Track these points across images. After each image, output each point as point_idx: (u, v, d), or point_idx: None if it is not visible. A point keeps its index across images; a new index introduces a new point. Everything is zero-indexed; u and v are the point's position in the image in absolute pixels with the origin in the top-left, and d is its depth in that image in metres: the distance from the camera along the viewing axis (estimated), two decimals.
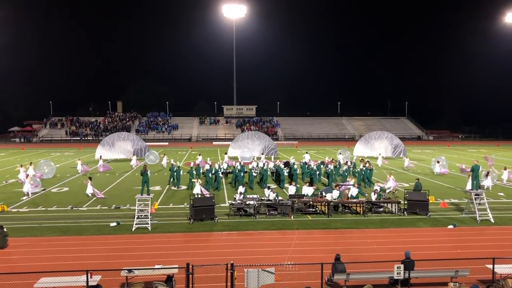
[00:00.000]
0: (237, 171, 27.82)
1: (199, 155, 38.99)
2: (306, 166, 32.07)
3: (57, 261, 14.05)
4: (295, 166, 31.86)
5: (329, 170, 28.65)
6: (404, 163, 38.57)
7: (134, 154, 42.54)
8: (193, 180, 26.91)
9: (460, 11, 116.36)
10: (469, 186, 24.10)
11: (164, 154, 41.46)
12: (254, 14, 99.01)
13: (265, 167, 30.10)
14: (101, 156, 39.92)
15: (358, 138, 65.62)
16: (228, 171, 32.51)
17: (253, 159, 38.87)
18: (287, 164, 36.46)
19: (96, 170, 36.22)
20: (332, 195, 21.22)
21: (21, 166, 29.82)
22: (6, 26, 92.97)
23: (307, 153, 42.95)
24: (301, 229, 18.02)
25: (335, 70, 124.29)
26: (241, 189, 22.03)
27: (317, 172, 29.74)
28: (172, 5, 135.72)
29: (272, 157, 42.99)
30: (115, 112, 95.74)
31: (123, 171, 36.13)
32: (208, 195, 23.75)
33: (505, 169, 30.40)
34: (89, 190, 24.83)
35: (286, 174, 31.61)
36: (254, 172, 29.89)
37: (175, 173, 27.70)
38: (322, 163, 34.09)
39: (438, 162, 34.74)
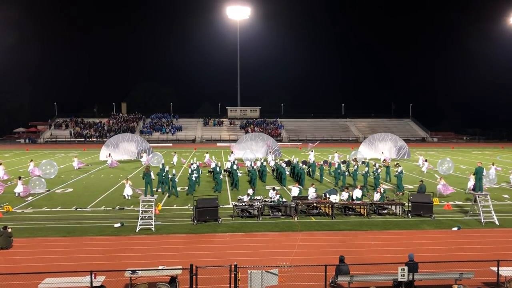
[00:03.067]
0: (215, 173, 27.49)
1: (207, 153, 39.84)
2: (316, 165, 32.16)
3: (61, 262, 14.12)
4: (300, 165, 31.80)
5: (377, 174, 27.39)
6: (419, 161, 40.13)
7: (145, 152, 43.74)
8: (122, 181, 26.56)
9: (465, 13, 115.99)
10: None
11: (175, 153, 42.34)
12: (258, 15, 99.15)
13: (254, 167, 30.12)
14: (110, 154, 41.64)
15: (362, 139, 65.48)
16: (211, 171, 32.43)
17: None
18: (288, 163, 36.52)
19: (94, 167, 36.45)
20: (340, 197, 21.19)
21: (0, 164, 30.74)
22: (11, 27, 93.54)
23: (312, 151, 43.15)
24: (305, 231, 18.00)
25: (339, 72, 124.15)
26: (249, 191, 21.99)
27: (345, 173, 29.20)
28: (176, 6, 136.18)
29: (273, 155, 43.04)
30: (120, 113, 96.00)
31: (127, 172, 36.21)
32: (140, 192, 23.81)
33: (492, 164, 31.10)
34: (19, 189, 24.95)
35: (287, 173, 31.61)
36: (240, 173, 29.76)
37: (158, 177, 26.33)
38: (326, 162, 34.13)
39: (426, 160, 36.08)
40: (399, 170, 27.31)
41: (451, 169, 33.12)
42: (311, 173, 33.29)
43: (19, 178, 26.06)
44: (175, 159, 41.59)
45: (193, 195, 23.77)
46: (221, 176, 27.14)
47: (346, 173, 29.33)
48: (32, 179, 27.01)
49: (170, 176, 26.00)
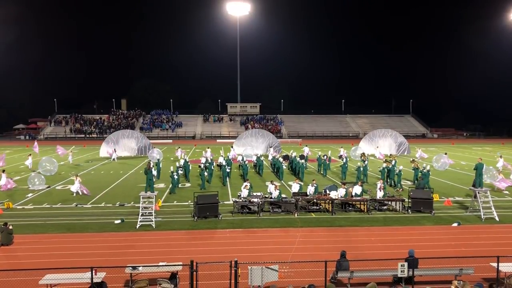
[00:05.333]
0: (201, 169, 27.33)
1: (208, 148, 40.07)
2: (325, 158, 32.25)
3: (62, 258, 14.14)
4: (298, 159, 31.81)
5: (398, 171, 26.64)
6: (416, 154, 41.58)
7: (179, 147, 44.03)
8: (72, 178, 26.50)
9: (466, 9, 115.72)
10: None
11: (179, 147, 42.53)
12: (258, 11, 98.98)
13: (246, 163, 30.23)
14: (115, 149, 43.32)
15: (362, 136, 65.50)
16: (207, 165, 32.37)
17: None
18: (286, 157, 36.58)
19: (94, 163, 36.50)
20: (339, 194, 21.20)
21: None
22: (11, 23, 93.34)
23: (306, 146, 43.64)
24: (305, 227, 18.02)
25: (339, 68, 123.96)
26: (247, 185, 21.90)
27: (360, 169, 28.88)
28: (176, 2, 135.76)
29: (272, 150, 43.19)
30: (120, 110, 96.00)
31: (127, 168, 36.23)
32: (88, 193, 23.78)
33: (500, 157, 31.65)
34: (2, 181, 25.69)
35: (284, 167, 31.63)
36: (228, 168, 29.77)
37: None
38: (325, 156, 34.14)
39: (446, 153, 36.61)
40: (427, 168, 26.70)
41: (446, 165, 33.19)
42: (319, 168, 33.34)
43: (3, 171, 26.59)
44: (178, 153, 41.74)
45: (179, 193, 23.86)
46: (206, 173, 26.81)
47: (361, 169, 29.07)
48: (31, 175, 27.07)
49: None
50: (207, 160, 32.09)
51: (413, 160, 32.35)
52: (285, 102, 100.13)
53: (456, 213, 20.54)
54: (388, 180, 27.79)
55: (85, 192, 24.14)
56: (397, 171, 26.87)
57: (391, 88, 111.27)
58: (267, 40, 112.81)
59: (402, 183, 27.17)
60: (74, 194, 24.39)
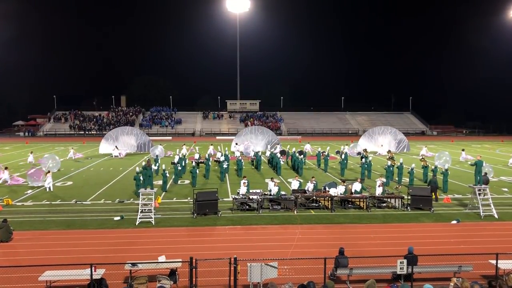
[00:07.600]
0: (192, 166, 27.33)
1: (211, 145, 40.32)
2: (323, 155, 32.30)
3: (61, 255, 14.15)
4: (296, 154, 31.85)
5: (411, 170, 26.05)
6: (421, 151, 41.82)
7: (183, 145, 43.69)
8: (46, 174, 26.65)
9: (465, 5, 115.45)
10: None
11: (184, 144, 43.01)
12: (258, 8, 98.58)
13: (240, 158, 30.44)
14: (116, 146, 43.61)
15: (362, 133, 65.45)
16: (200, 161, 32.51)
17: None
18: (283, 152, 36.61)
19: (94, 160, 36.65)
20: (338, 191, 21.20)
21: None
22: (11, 20, 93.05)
23: (308, 143, 43.76)
24: (304, 224, 18.04)
25: (339, 65, 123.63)
26: (245, 182, 21.87)
27: (365, 165, 28.44)
28: None
29: (269, 146, 43.30)
30: (119, 107, 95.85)
31: (126, 165, 36.21)
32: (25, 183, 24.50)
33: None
34: (6, 176, 26.65)
35: (282, 162, 31.67)
36: (226, 164, 29.83)
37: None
38: (323, 152, 34.22)
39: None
40: (445, 167, 26.12)
41: (448, 162, 33.20)
42: (319, 163, 33.47)
43: (6, 168, 27.27)
44: (184, 151, 41.50)
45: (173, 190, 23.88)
46: (198, 171, 26.80)
47: (366, 165, 28.89)
48: (44, 157, 27.44)
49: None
50: (200, 156, 32.08)
51: (423, 158, 32.24)
52: (284, 99, 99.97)
53: (456, 210, 20.57)
54: (397, 179, 27.45)
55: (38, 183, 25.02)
56: (409, 170, 26.44)
57: (390, 85, 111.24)
58: (267, 37, 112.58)
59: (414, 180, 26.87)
60: (47, 189, 24.65)
